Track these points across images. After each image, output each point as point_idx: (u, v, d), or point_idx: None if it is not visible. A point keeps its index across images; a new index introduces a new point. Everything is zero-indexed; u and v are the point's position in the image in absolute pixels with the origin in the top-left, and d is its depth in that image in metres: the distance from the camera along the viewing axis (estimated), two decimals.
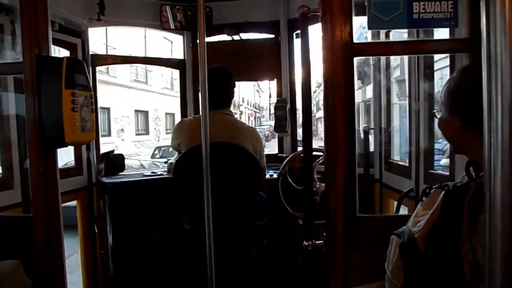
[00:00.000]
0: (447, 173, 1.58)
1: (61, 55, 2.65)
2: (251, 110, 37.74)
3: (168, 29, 3.10)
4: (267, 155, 2.93)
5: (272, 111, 3.64)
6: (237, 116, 2.41)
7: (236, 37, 3.24)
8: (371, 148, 2.46)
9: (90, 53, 2.73)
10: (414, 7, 1.37)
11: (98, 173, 2.76)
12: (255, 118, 39.35)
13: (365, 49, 1.42)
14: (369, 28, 1.39)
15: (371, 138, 2.44)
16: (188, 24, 3.05)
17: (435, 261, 0.92)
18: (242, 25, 3.13)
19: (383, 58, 2.31)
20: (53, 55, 1.55)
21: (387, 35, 1.97)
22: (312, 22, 2.13)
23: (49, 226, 1.53)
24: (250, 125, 2.83)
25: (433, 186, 1.02)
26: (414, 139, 1.88)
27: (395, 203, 1.99)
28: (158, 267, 2.73)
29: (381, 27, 1.50)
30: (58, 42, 2.46)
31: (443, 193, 0.96)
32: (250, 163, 2.18)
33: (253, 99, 41.28)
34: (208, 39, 3.00)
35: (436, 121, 1.22)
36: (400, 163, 2.21)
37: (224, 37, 3.24)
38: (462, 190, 0.93)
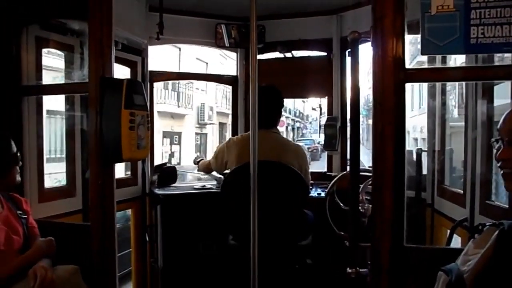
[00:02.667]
0: (506, 206, 1.49)
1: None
2: (286, 117, 27.64)
3: (223, 47, 3.20)
4: (315, 173, 2.91)
5: (323, 123, 3.59)
6: None
7: (288, 55, 3.27)
8: (424, 171, 2.37)
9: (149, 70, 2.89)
10: (472, 32, 1.32)
11: (151, 184, 2.89)
12: (292, 129, 31.48)
13: (417, 75, 1.39)
14: (422, 54, 1.36)
15: (424, 160, 2.34)
16: (242, 41, 3.12)
17: None
18: (295, 42, 3.15)
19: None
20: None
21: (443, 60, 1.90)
22: (364, 41, 2.10)
23: (104, 235, 1.63)
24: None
25: (487, 224, 0.97)
26: (469, 165, 1.78)
27: (448, 231, 1.89)
28: (204, 278, 2.78)
29: (436, 53, 1.45)
30: (120, 60, 2.61)
31: (497, 232, 0.91)
32: (296, 182, 2.19)
33: (292, 104, 30.68)
34: (260, 57, 3.06)
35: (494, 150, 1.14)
36: (454, 189, 2.10)
37: (276, 55, 3.28)
38: None
